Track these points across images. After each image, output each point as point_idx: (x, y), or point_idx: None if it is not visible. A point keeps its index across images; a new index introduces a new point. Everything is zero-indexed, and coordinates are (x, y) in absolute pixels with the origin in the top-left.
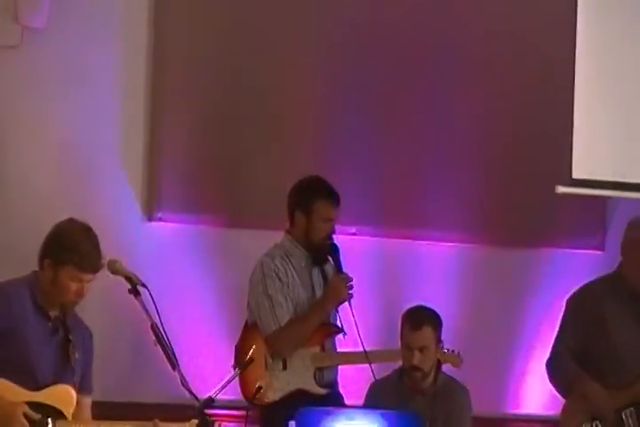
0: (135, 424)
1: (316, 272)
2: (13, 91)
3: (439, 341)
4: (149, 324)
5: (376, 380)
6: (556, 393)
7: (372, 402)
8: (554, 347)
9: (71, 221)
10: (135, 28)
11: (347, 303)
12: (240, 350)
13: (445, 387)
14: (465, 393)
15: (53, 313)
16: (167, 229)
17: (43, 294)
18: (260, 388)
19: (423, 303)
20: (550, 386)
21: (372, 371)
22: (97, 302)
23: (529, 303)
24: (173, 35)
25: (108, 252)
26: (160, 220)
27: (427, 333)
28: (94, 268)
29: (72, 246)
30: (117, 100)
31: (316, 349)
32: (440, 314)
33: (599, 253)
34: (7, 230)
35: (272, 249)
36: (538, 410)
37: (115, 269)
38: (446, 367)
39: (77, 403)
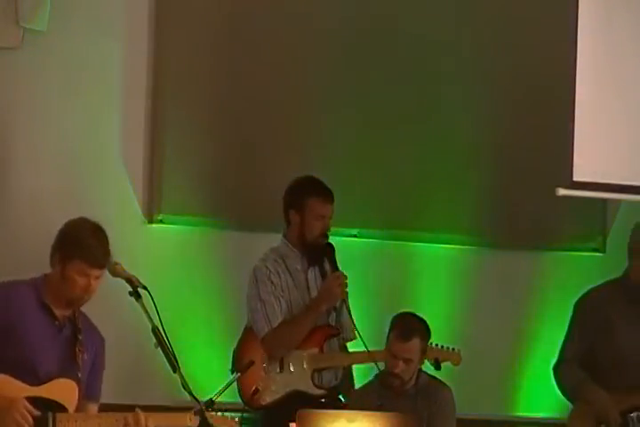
0: (122, 414)
1: (311, 274)
2: (14, 93)
3: (425, 351)
4: (150, 326)
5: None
6: (563, 398)
7: (354, 407)
8: (561, 352)
9: (81, 218)
10: (136, 31)
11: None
12: (238, 354)
13: (427, 387)
14: (447, 392)
15: (62, 313)
16: (168, 232)
17: (52, 293)
18: (256, 390)
19: (413, 311)
20: (550, 388)
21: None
22: (98, 304)
23: (529, 305)
24: (174, 37)
25: None
26: (161, 222)
27: (415, 345)
28: (100, 262)
29: (79, 241)
30: (118, 102)
31: (314, 350)
32: (440, 316)
33: (600, 255)
34: (7, 232)
35: (267, 253)
36: (538, 413)
37: (115, 271)
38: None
39: (82, 409)
